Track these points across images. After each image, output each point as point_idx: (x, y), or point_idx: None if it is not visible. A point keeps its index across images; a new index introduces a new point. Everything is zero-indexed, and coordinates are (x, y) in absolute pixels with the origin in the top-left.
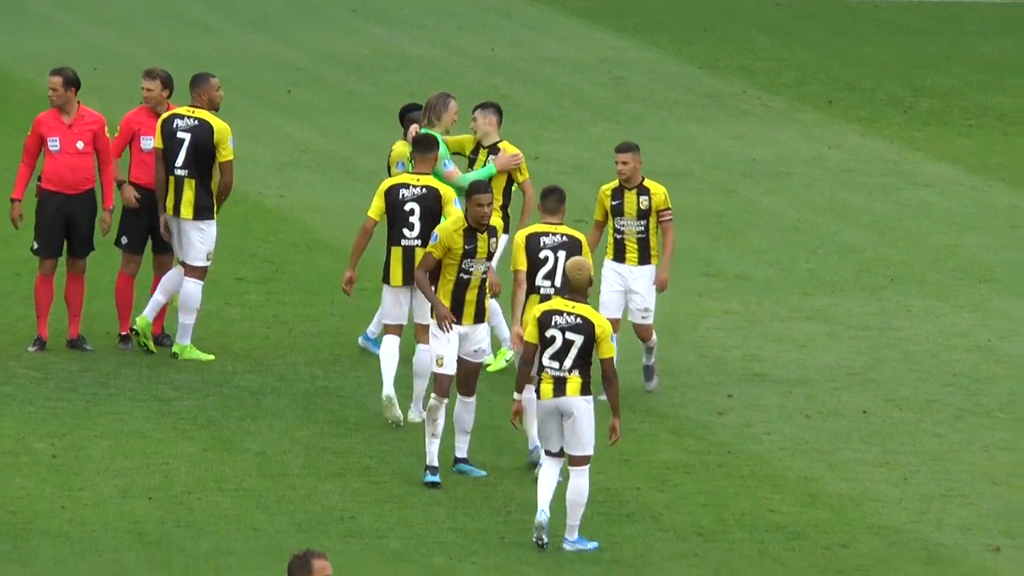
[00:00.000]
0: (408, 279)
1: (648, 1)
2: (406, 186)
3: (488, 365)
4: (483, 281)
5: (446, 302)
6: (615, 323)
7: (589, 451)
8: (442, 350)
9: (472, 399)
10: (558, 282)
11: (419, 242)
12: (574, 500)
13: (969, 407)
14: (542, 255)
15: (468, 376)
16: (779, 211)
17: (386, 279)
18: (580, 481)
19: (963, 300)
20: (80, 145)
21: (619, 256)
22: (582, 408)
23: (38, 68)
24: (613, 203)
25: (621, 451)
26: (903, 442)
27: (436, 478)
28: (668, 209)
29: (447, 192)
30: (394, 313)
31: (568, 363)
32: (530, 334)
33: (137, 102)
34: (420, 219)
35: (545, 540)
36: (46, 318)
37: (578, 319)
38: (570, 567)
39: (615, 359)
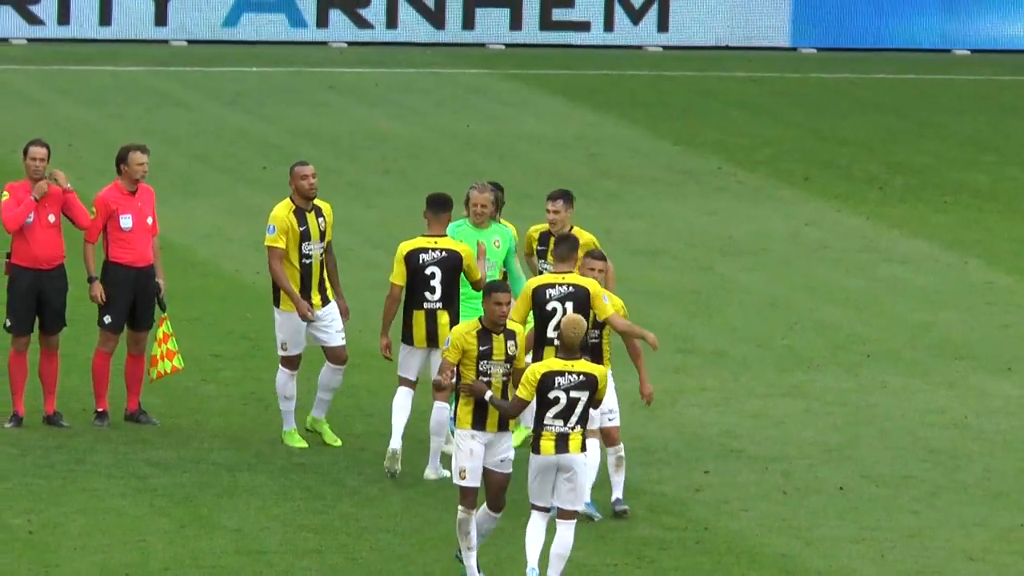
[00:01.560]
0: (431, 341)
1: (624, 79)
2: (425, 250)
3: None
4: (505, 385)
5: (468, 408)
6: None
7: (581, 506)
8: (464, 462)
9: (499, 514)
10: None
11: (440, 304)
12: (559, 553)
13: (946, 484)
14: (549, 307)
15: (496, 489)
16: (756, 288)
17: (408, 340)
18: (568, 535)
19: (939, 377)
20: (51, 219)
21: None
22: (581, 464)
23: (11, 144)
24: None
25: (598, 528)
26: (880, 518)
27: None
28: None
29: (467, 251)
30: (410, 366)
31: (573, 420)
32: (527, 393)
33: (110, 178)
34: (441, 282)
35: None
36: (22, 394)
37: (580, 376)
38: None
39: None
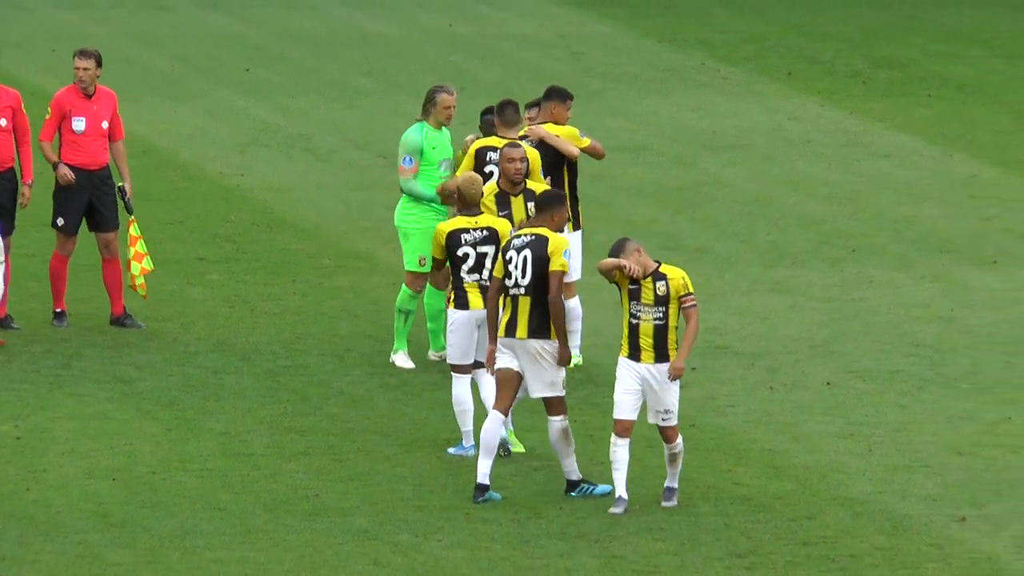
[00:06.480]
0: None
1: None
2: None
3: None
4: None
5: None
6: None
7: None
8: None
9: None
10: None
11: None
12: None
13: (932, 377)
14: (487, 169)
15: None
16: (739, 183)
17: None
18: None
19: (924, 271)
20: (3, 123)
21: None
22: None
23: None
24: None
25: (585, 426)
26: (867, 413)
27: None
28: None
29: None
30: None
31: (486, 273)
32: (438, 252)
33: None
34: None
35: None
36: None
37: (484, 231)
38: (536, 542)
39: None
